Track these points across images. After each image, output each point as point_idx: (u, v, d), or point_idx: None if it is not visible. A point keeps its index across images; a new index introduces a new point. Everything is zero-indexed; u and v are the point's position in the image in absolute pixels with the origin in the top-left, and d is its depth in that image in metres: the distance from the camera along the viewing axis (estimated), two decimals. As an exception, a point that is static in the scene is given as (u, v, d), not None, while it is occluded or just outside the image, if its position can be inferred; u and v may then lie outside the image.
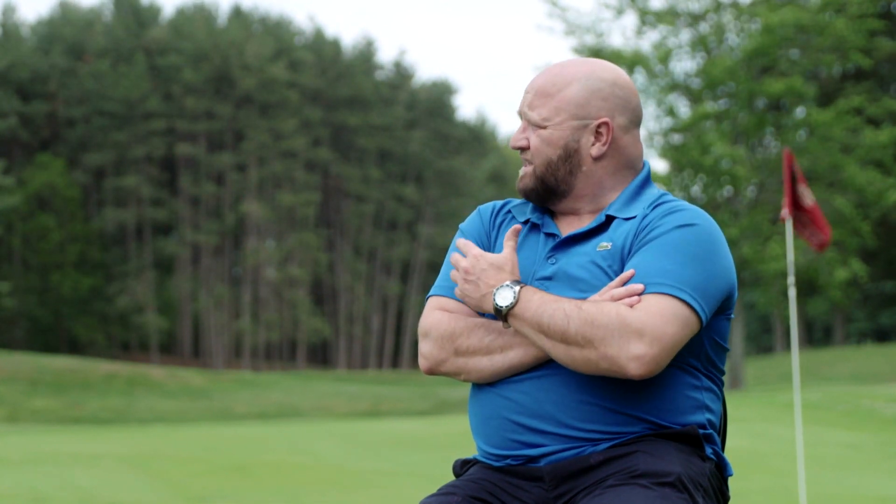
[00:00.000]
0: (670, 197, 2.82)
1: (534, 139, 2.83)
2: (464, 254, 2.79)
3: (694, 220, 2.73)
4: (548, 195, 2.84)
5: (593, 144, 2.81)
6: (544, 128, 2.81)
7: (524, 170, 2.86)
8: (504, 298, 2.70)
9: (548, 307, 2.65)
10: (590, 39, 34.21)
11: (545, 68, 2.88)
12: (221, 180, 76.98)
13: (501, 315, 2.70)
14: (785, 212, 9.08)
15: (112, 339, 72.86)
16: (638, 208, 2.80)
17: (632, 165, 2.86)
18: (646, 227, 2.74)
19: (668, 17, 33.82)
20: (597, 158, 2.82)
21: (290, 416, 37.75)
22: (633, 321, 2.59)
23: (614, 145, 2.82)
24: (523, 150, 2.85)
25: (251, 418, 36.65)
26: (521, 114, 2.86)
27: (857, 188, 32.10)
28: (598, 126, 2.80)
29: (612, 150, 2.82)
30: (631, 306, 2.62)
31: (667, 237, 2.70)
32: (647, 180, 2.87)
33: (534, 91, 2.83)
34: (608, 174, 2.83)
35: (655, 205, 2.79)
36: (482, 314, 2.83)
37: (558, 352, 2.65)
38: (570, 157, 2.81)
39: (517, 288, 2.69)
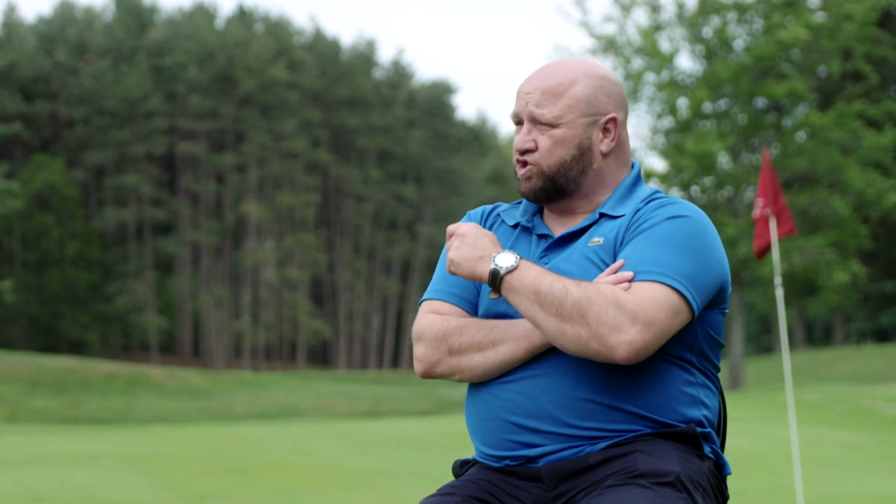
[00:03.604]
0: (662, 193, 2.82)
1: (543, 140, 2.79)
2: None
3: (685, 212, 2.73)
4: (557, 194, 2.82)
5: (602, 140, 2.81)
6: (556, 126, 2.78)
7: (528, 170, 2.80)
8: (506, 260, 2.68)
9: (547, 277, 2.64)
10: (608, 29, 34.25)
11: (539, 69, 2.84)
12: (222, 180, 76.94)
13: (497, 280, 2.68)
14: (767, 210, 9.16)
15: (112, 339, 72.82)
16: (630, 205, 2.80)
17: (627, 161, 2.87)
18: (637, 220, 2.74)
19: (677, 20, 33.82)
20: (605, 154, 2.82)
21: (290, 416, 37.75)
22: (627, 303, 2.58)
23: (618, 140, 2.83)
24: (530, 152, 2.81)
25: (251, 418, 36.65)
26: (526, 115, 2.80)
27: (857, 190, 32.06)
28: (607, 122, 2.81)
29: (617, 146, 2.83)
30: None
31: (658, 228, 2.70)
32: (639, 178, 2.87)
33: (540, 90, 2.79)
34: (611, 171, 2.84)
35: (647, 200, 2.79)
36: (472, 313, 2.83)
37: (550, 325, 2.62)
38: (583, 155, 2.79)
39: (518, 255, 2.69)
